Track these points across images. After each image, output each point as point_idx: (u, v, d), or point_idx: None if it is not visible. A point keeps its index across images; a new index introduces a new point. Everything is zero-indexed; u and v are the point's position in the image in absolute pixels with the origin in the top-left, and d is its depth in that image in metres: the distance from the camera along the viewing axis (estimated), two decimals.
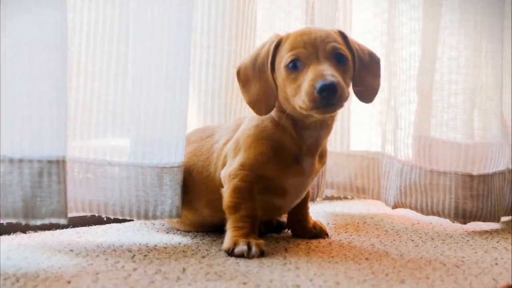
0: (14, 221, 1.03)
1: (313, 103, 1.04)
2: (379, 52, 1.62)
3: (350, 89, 1.14)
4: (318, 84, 1.02)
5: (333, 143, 1.66)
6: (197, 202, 1.23)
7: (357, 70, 1.15)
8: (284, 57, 1.10)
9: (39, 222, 1.03)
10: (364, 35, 1.68)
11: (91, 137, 1.22)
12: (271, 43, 1.14)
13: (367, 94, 1.17)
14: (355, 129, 1.72)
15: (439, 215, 1.47)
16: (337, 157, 1.65)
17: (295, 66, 1.08)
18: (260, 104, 1.14)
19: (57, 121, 1.04)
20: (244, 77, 1.16)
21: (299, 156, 1.16)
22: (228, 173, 1.15)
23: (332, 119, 1.18)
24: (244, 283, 0.92)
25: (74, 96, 1.20)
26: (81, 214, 1.29)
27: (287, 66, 1.09)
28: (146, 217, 1.20)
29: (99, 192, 1.19)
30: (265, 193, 1.17)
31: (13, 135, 1.01)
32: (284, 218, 1.36)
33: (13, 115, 1.01)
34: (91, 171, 1.19)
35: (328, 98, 1.03)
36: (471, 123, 1.51)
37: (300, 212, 1.29)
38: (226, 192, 1.15)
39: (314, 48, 1.08)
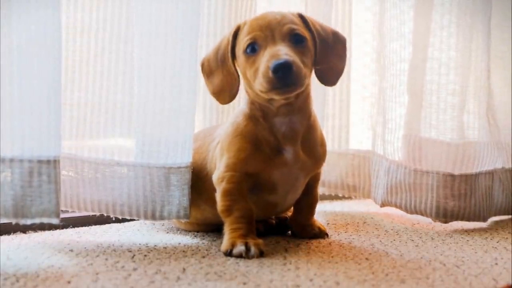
0: (4, 220, 1.03)
1: (270, 84, 1.05)
2: (376, 50, 1.63)
3: (313, 74, 1.16)
4: (272, 64, 1.03)
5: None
6: (199, 198, 1.24)
7: (319, 51, 1.15)
8: (242, 43, 1.12)
9: (29, 222, 1.03)
10: (364, 34, 1.68)
11: (100, 136, 1.23)
12: (230, 32, 1.16)
13: (329, 74, 1.18)
14: (349, 128, 1.72)
15: (421, 214, 1.47)
16: (329, 155, 1.65)
17: (253, 50, 1.10)
18: (223, 93, 1.17)
19: (49, 121, 1.04)
20: (208, 69, 1.19)
21: (278, 146, 1.15)
22: (216, 177, 1.16)
23: (304, 103, 1.16)
24: (244, 283, 0.92)
25: (84, 96, 1.21)
26: (85, 213, 1.29)
27: (245, 50, 1.11)
28: (153, 217, 1.21)
29: (107, 192, 1.20)
30: (256, 190, 1.17)
31: (4, 135, 1.02)
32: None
33: (4, 115, 1.01)
34: (100, 171, 1.20)
35: (284, 78, 1.03)
36: (459, 123, 1.51)
37: (304, 217, 1.28)
38: (217, 197, 1.16)
39: (270, 31, 1.10)
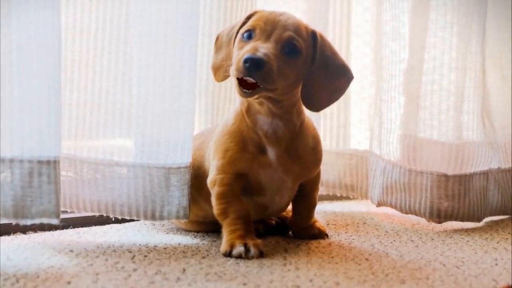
0: (4, 220, 1.03)
1: (236, 72, 1.05)
2: (375, 51, 1.63)
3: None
4: (246, 55, 1.04)
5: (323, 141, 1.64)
6: (198, 195, 1.24)
7: (315, 73, 1.13)
8: (245, 27, 1.12)
9: (29, 222, 1.03)
10: (364, 35, 1.68)
11: (99, 137, 1.23)
12: (246, 15, 1.17)
13: (319, 98, 1.16)
14: (347, 128, 1.72)
15: (416, 214, 1.48)
16: (327, 155, 1.65)
17: (249, 36, 1.11)
18: (219, 70, 1.18)
19: (49, 121, 1.04)
20: (220, 44, 1.20)
21: (261, 145, 1.15)
22: (209, 180, 1.17)
23: (287, 113, 1.15)
24: (244, 284, 0.92)
25: (83, 96, 1.21)
26: (86, 214, 1.29)
27: (242, 34, 1.12)
28: (153, 217, 1.21)
29: (107, 192, 1.20)
30: (247, 192, 1.17)
31: (4, 135, 1.01)
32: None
33: (3, 115, 1.01)
34: (100, 172, 1.20)
35: (249, 71, 1.03)
36: (455, 124, 1.51)
37: (303, 219, 1.28)
38: (213, 201, 1.16)
39: (272, 28, 1.10)
